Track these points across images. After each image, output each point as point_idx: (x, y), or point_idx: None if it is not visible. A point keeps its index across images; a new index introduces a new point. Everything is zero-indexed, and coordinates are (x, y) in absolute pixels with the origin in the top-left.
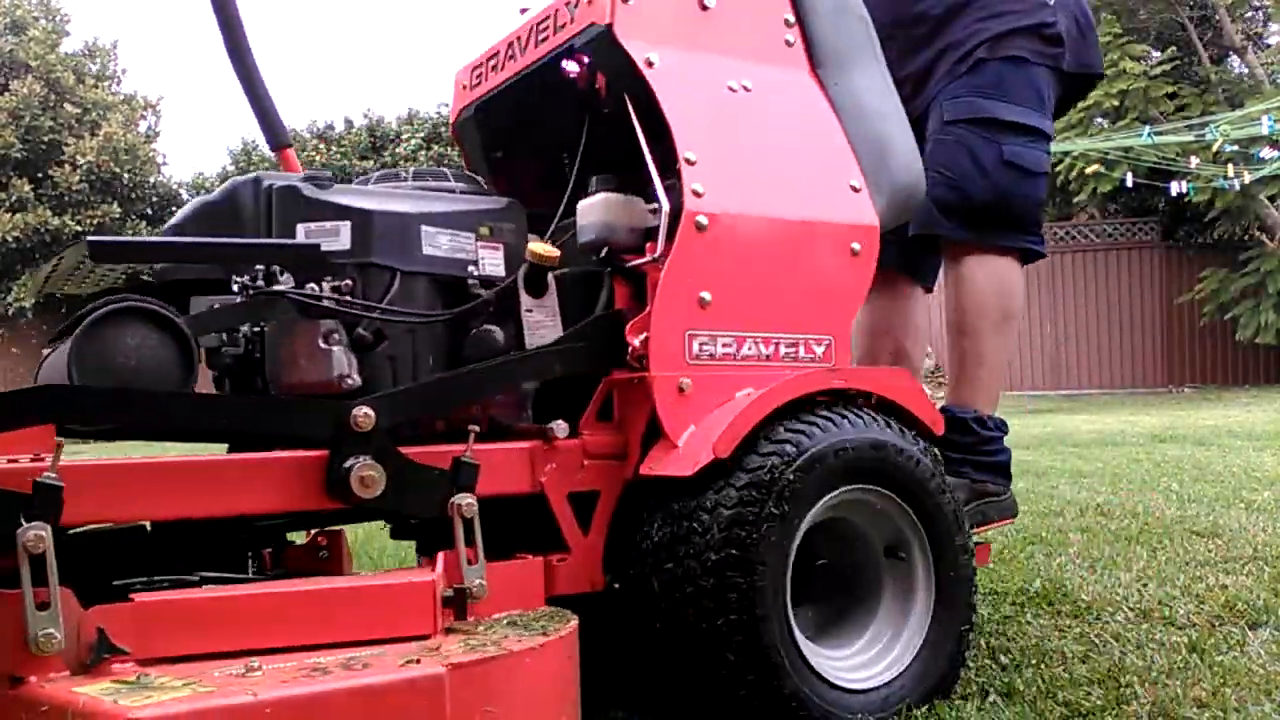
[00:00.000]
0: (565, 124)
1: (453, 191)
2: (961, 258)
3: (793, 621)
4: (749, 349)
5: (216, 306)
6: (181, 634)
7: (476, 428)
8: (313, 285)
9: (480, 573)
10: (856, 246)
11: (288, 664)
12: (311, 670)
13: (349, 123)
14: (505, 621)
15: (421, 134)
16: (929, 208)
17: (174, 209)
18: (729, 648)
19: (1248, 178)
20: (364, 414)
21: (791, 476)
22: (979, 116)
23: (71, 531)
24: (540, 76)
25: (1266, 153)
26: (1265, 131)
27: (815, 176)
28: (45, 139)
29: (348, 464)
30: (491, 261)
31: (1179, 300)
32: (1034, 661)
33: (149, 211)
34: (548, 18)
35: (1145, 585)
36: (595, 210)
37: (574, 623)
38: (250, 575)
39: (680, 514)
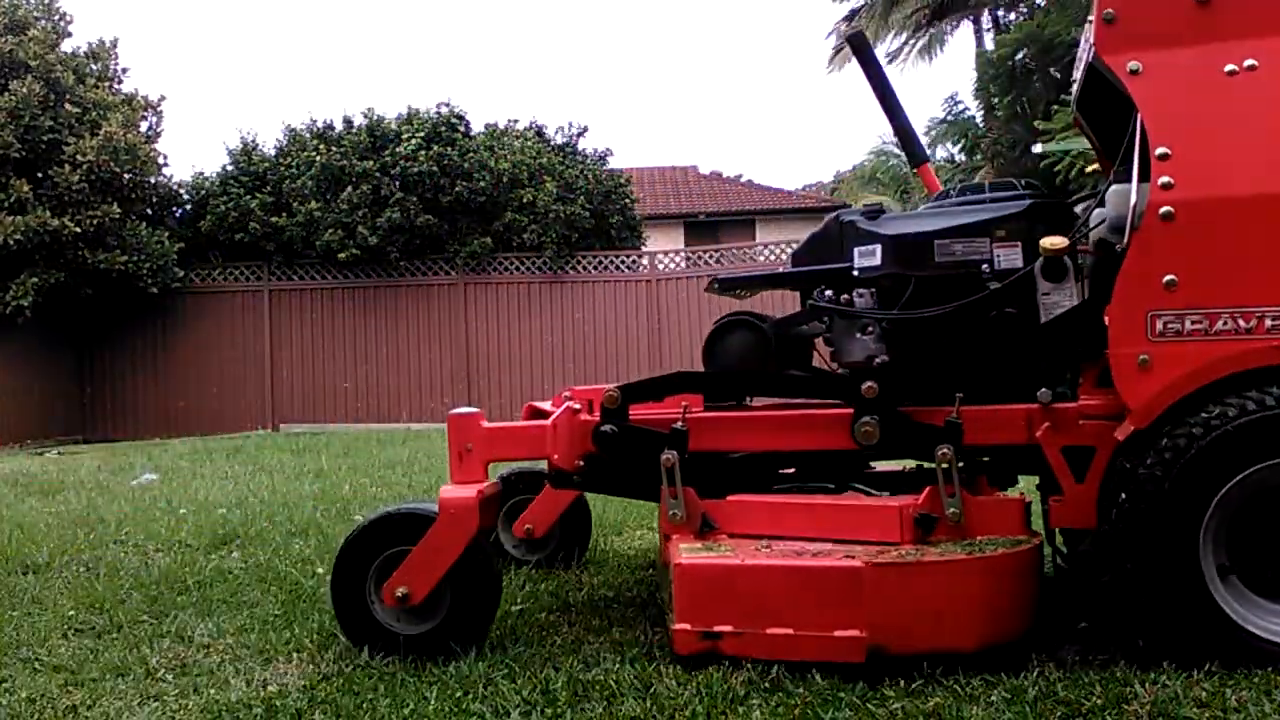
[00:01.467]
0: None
1: (982, 204)
2: None
3: (1205, 571)
4: (1224, 324)
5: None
6: (748, 521)
7: (961, 394)
8: (854, 293)
9: (956, 503)
10: None
11: (791, 547)
12: (794, 552)
13: (349, 122)
14: (966, 541)
15: (421, 134)
16: None
17: (174, 209)
18: (1135, 590)
19: None
20: (868, 386)
21: (1203, 446)
22: None
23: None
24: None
25: None
26: None
27: None
28: (45, 139)
29: (859, 421)
30: (1008, 257)
31: None
32: (1034, 661)
33: (149, 212)
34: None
35: None
36: (1110, 201)
37: (1007, 550)
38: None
39: (1119, 471)
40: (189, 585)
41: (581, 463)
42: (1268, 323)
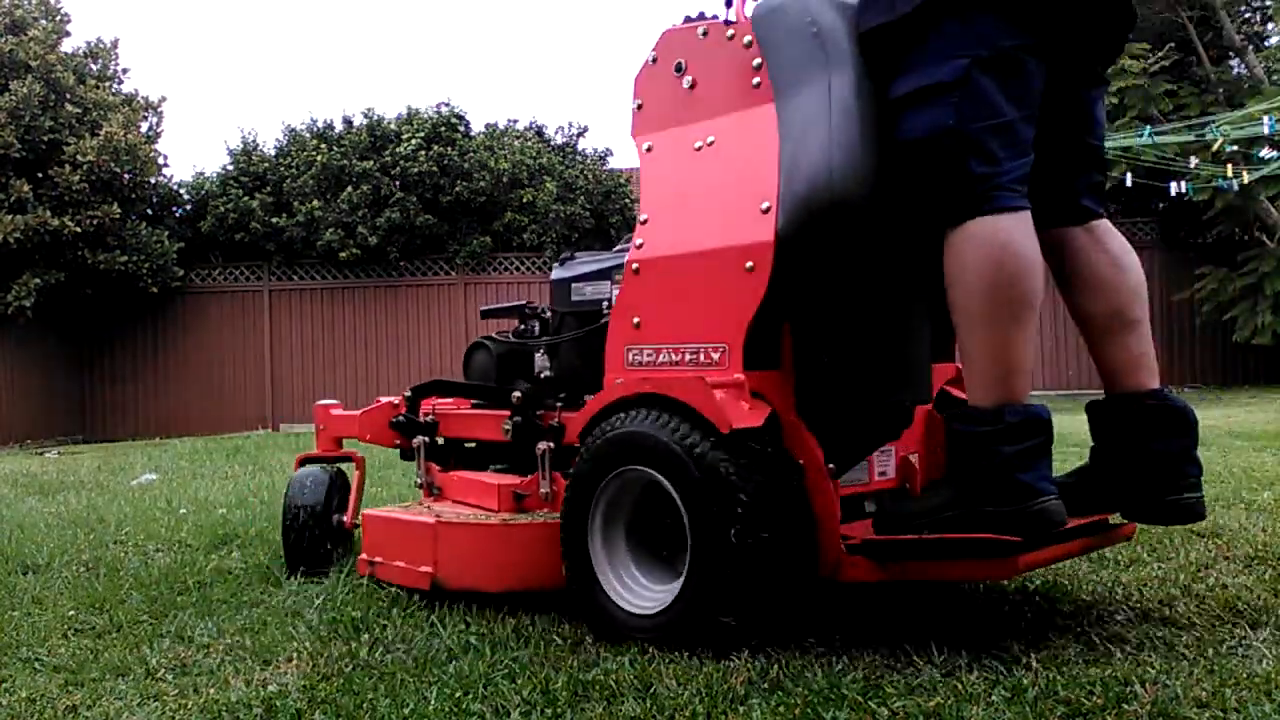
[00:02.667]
0: None
1: (616, 253)
2: None
3: (590, 550)
4: (664, 357)
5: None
6: (452, 490)
7: (563, 401)
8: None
9: (547, 485)
10: (750, 264)
11: (443, 507)
12: (427, 510)
13: (349, 122)
14: (524, 513)
15: (421, 134)
16: None
17: (174, 209)
18: (560, 559)
19: (1247, 178)
20: (516, 395)
21: (592, 455)
22: None
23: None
24: None
25: (1266, 153)
26: (1265, 131)
27: (734, 206)
28: (45, 139)
29: (507, 421)
30: None
31: (1176, 298)
32: (1034, 661)
33: (149, 212)
34: None
35: (1145, 585)
36: None
37: (529, 521)
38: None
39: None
40: (189, 585)
41: (398, 441)
42: (687, 357)
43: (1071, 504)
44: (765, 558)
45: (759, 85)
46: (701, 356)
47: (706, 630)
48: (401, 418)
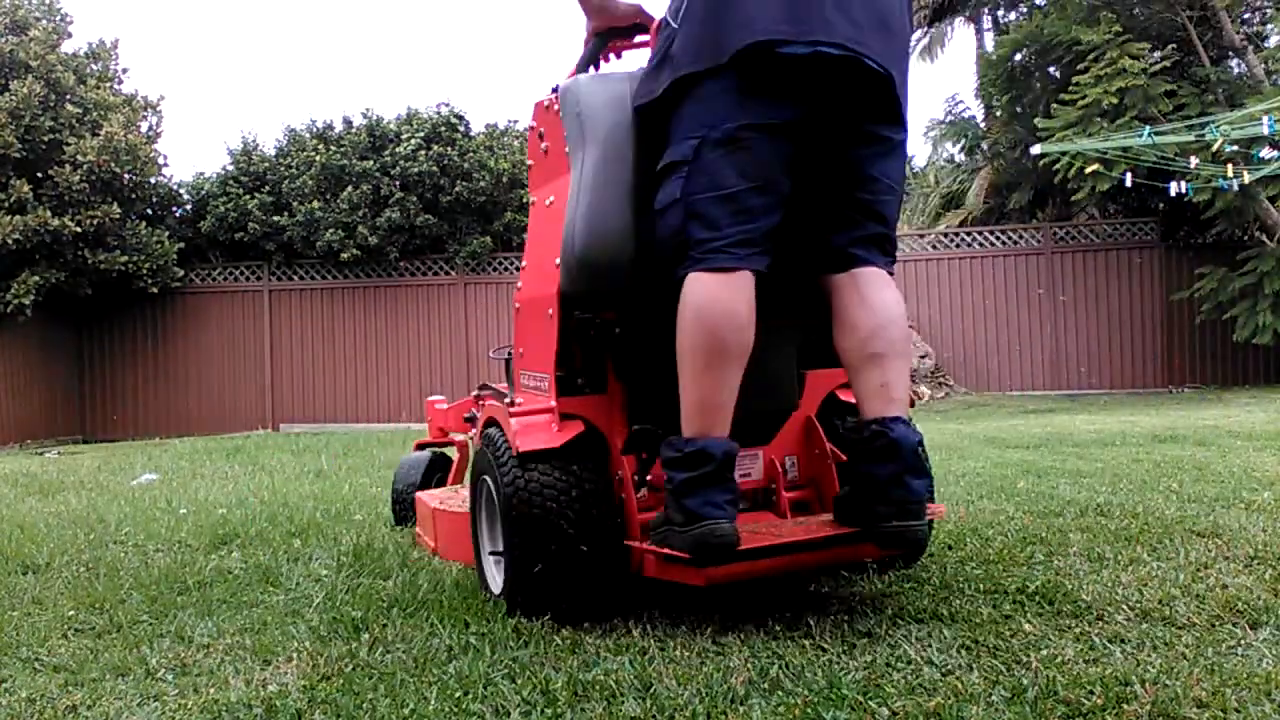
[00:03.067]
0: None
1: None
2: None
3: (478, 536)
4: (534, 383)
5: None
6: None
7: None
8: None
9: None
10: (550, 311)
11: (455, 491)
12: (448, 496)
13: (348, 122)
14: None
15: (421, 134)
16: None
17: (174, 209)
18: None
19: (1247, 178)
20: (507, 400)
21: (476, 458)
22: None
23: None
24: None
25: (1266, 153)
26: (1265, 131)
27: (547, 259)
28: (45, 139)
29: None
30: None
31: (1175, 297)
32: (1034, 661)
33: (149, 212)
34: None
35: (1145, 585)
36: None
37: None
38: None
39: None
40: (189, 585)
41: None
42: (536, 383)
43: (840, 516)
44: (557, 554)
45: (569, 153)
46: (544, 384)
47: (525, 608)
48: (469, 414)
